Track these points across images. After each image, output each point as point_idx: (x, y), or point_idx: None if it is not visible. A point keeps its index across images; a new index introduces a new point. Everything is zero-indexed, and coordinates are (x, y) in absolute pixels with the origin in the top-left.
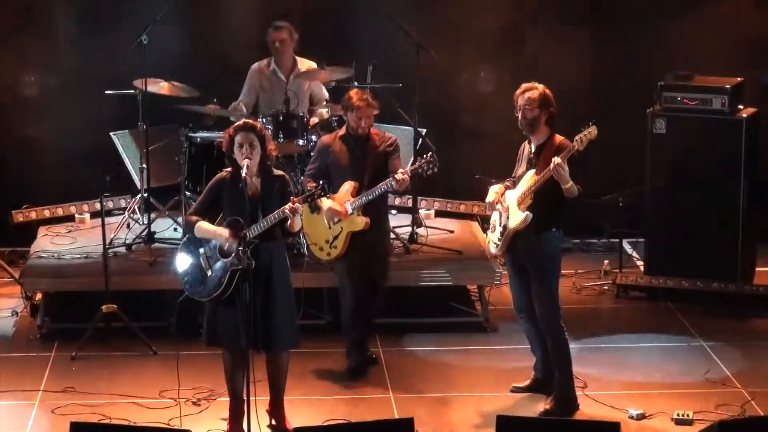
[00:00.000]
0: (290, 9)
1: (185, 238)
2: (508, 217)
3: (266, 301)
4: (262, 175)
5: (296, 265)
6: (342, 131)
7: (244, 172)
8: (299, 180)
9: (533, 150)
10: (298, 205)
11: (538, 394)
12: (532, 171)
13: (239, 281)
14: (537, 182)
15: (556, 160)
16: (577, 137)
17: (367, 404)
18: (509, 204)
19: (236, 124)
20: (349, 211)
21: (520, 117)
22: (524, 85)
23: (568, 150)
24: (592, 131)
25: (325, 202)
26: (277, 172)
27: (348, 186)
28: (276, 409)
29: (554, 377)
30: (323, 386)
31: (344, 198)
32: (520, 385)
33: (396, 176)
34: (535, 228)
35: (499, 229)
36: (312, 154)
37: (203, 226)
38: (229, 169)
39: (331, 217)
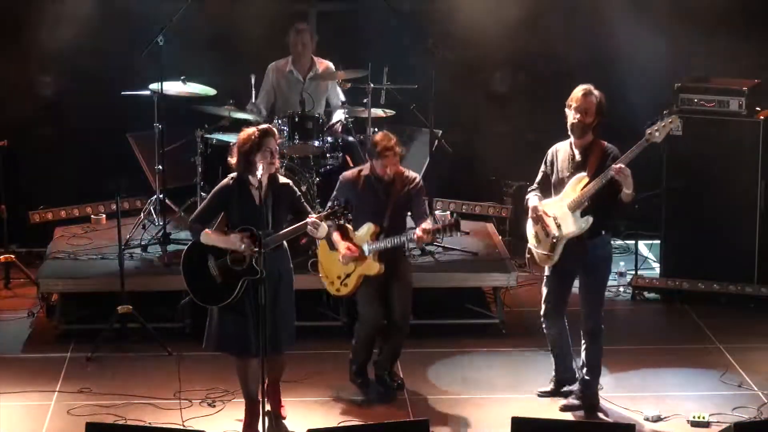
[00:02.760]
0: (305, 9)
1: (190, 245)
2: (559, 225)
3: (273, 307)
4: (270, 182)
5: (312, 267)
6: (366, 170)
7: (264, 178)
8: (314, 181)
9: (578, 154)
10: (317, 220)
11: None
12: (583, 175)
13: (249, 288)
14: (594, 187)
15: (619, 165)
16: (652, 129)
17: (382, 405)
18: (557, 212)
19: (263, 129)
20: (366, 252)
21: (575, 118)
22: (584, 87)
23: (639, 144)
24: (673, 121)
25: (341, 244)
26: (283, 179)
27: (368, 228)
28: (273, 394)
29: (574, 376)
30: (339, 387)
31: (363, 239)
32: (546, 390)
33: (416, 233)
34: (588, 233)
35: (548, 240)
36: (327, 155)
37: (211, 234)
38: (233, 175)
39: (345, 260)
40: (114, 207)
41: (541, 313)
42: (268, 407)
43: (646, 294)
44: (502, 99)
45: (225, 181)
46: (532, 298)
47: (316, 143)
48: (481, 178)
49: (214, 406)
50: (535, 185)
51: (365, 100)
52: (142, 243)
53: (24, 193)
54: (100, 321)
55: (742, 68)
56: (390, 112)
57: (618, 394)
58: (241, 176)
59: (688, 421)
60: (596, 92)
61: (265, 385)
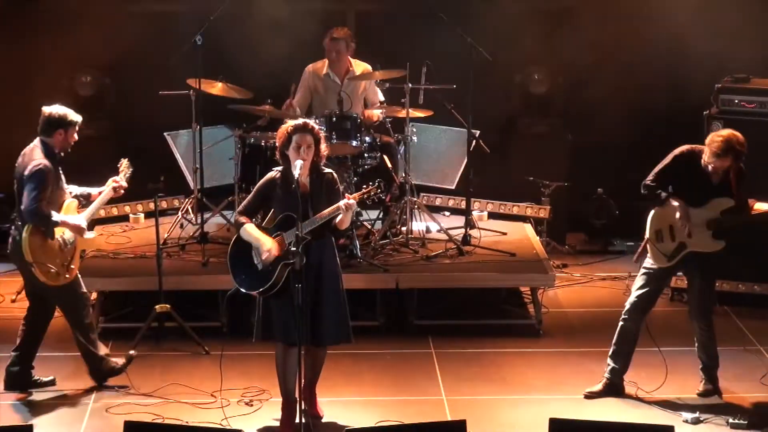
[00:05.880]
0: (343, 9)
1: (236, 235)
2: (689, 235)
3: (317, 298)
4: (311, 173)
5: (349, 266)
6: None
7: (297, 172)
8: (352, 181)
9: (717, 174)
10: (353, 201)
11: (608, 397)
12: (729, 200)
13: (288, 277)
14: (736, 221)
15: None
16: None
17: (419, 405)
18: (692, 222)
19: (295, 123)
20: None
21: (714, 167)
22: (716, 150)
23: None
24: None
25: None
26: (326, 169)
27: (70, 203)
28: (309, 395)
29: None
30: (376, 387)
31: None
32: (594, 390)
33: None
34: None
35: (672, 244)
36: (365, 155)
37: (249, 230)
38: (279, 168)
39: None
40: (152, 206)
41: (627, 303)
42: (304, 406)
43: (685, 295)
44: (540, 99)
45: (270, 173)
46: (570, 298)
47: (354, 143)
48: (518, 179)
49: (252, 405)
50: (655, 182)
51: (403, 100)
52: (180, 242)
53: None
54: (139, 320)
55: None
56: (428, 112)
57: (657, 395)
58: (285, 169)
59: (727, 422)
60: (737, 144)
61: (302, 383)
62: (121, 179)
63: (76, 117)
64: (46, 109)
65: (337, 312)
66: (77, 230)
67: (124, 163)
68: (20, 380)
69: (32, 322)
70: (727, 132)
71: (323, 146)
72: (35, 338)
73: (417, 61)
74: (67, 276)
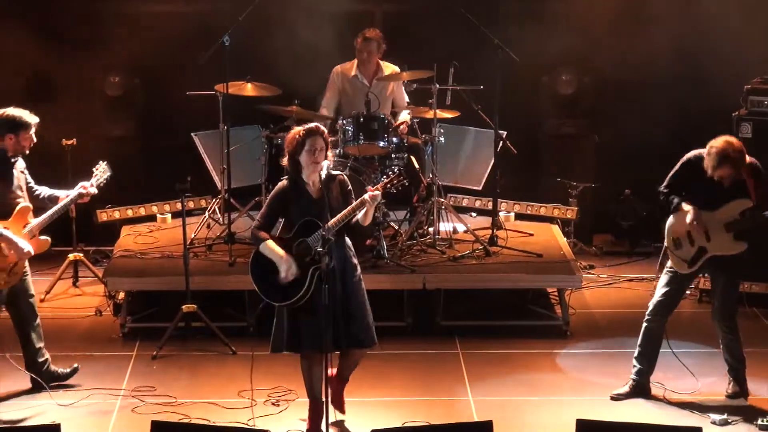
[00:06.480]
0: (372, 9)
1: (256, 250)
2: (708, 239)
3: (345, 300)
4: (320, 178)
5: (377, 267)
6: None
7: (323, 175)
8: (380, 179)
9: (727, 179)
10: (378, 192)
11: (635, 399)
12: (747, 201)
13: (318, 281)
14: (757, 221)
15: None
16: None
17: (446, 406)
18: (709, 225)
19: (307, 127)
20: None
21: (717, 176)
22: (716, 159)
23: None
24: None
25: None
26: (335, 172)
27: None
28: (338, 398)
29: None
30: (403, 388)
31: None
32: (620, 392)
33: None
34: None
35: (691, 249)
36: (393, 155)
37: (270, 246)
38: (285, 177)
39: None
40: (179, 206)
41: (650, 304)
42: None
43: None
44: (567, 101)
45: (280, 184)
46: (598, 299)
47: (381, 144)
48: (545, 180)
49: (278, 405)
50: (668, 188)
51: (431, 101)
52: (207, 242)
53: None
54: (166, 319)
55: None
56: (455, 113)
57: (685, 396)
58: (294, 176)
59: (755, 424)
60: (732, 152)
61: (328, 388)
62: (91, 184)
63: (29, 120)
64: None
65: (365, 313)
66: (19, 253)
67: (101, 166)
68: (40, 377)
69: (15, 324)
70: (721, 141)
71: (330, 152)
72: (25, 337)
73: (444, 62)
74: (7, 280)
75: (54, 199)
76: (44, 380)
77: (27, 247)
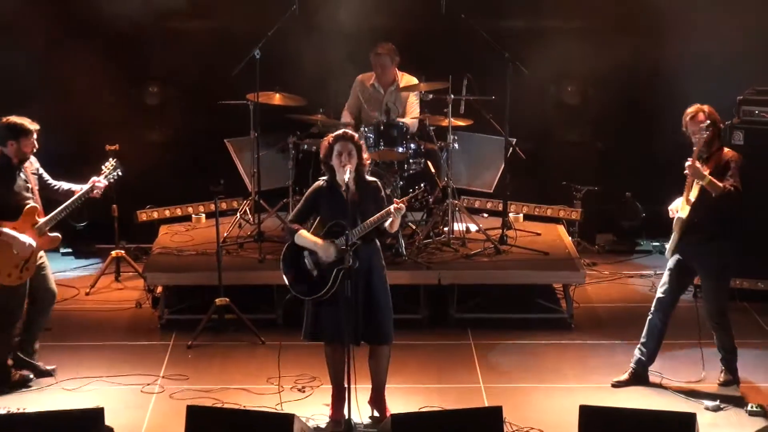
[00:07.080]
0: (389, 24)
1: (288, 243)
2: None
3: (368, 299)
4: (357, 181)
5: (395, 264)
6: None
7: (346, 178)
8: (398, 184)
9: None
10: (402, 205)
11: (635, 386)
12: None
13: (342, 280)
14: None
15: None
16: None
17: (459, 393)
18: (680, 204)
19: (336, 133)
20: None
21: (696, 141)
22: (690, 111)
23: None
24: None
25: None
26: (370, 178)
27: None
28: (378, 402)
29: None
30: (419, 376)
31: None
32: (620, 380)
33: None
34: (705, 238)
35: (677, 218)
36: (411, 160)
37: (304, 235)
38: (325, 177)
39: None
40: (213, 207)
41: (655, 299)
42: (375, 413)
43: None
44: (572, 110)
45: (317, 183)
46: (600, 294)
47: (400, 149)
48: (552, 183)
49: (304, 392)
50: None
51: (446, 110)
52: (239, 240)
53: (133, 194)
54: (200, 312)
55: None
56: (469, 122)
57: (680, 384)
58: (330, 178)
59: (746, 410)
60: (703, 107)
61: (353, 372)
62: (102, 179)
63: (30, 127)
64: (2, 120)
65: (387, 312)
66: (22, 248)
67: (111, 162)
68: (25, 364)
69: (27, 311)
70: (691, 110)
71: (365, 155)
72: (30, 323)
73: (459, 74)
74: (21, 276)
75: (70, 194)
76: (26, 368)
77: (28, 240)
